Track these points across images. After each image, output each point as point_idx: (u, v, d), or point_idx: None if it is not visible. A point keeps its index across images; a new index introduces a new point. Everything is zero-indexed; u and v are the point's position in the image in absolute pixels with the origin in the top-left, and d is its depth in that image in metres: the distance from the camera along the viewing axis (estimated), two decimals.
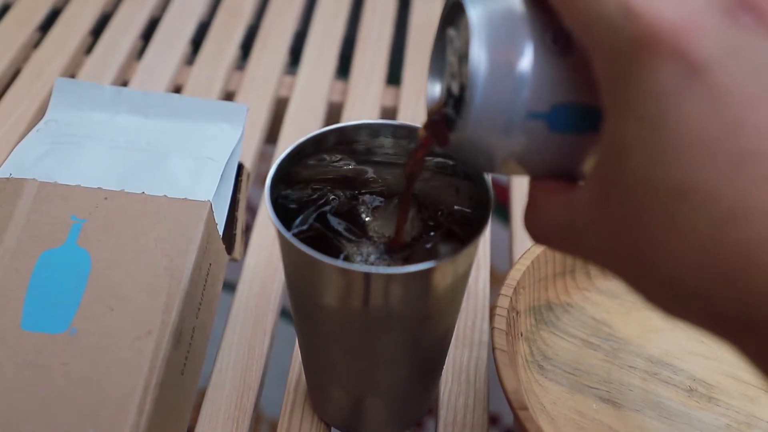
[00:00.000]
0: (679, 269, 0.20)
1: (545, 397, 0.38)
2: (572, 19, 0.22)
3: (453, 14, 0.27)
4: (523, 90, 0.24)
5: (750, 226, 0.19)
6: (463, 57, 0.26)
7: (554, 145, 0.25)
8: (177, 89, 0.61)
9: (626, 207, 0.21)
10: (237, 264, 0.46)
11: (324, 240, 0.33)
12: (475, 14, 0.25)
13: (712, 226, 0.19)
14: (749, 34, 0.20)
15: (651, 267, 0.21)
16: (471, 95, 0.24)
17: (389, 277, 0.29)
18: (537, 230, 0.26)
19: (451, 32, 0.28)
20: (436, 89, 0.29)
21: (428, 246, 0.33)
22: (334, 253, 0.33)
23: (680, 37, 0.20)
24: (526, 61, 0.24)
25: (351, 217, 0.35)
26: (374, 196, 0.36)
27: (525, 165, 0.26)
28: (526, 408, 0.34)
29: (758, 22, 0.20)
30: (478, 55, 0.24)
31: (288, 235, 0.30)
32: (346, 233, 0.34)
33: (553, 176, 0.26)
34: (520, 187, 0.53)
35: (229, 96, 0.61)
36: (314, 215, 0.34)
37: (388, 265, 0.33)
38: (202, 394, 0.40)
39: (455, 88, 0.27)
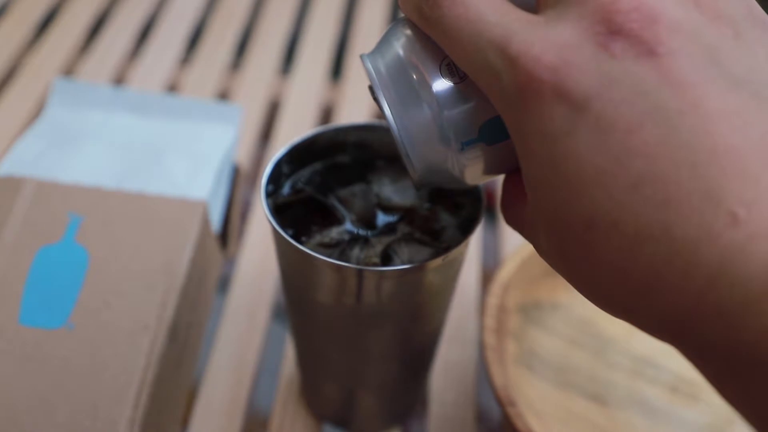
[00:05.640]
0: (604, 290, 0.21)
1: (533, 394, 0.39)
2: (462, 66, 0.23)
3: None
4: (446, 130, 0.24)
5: (655, 247, 0.19)
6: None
7: (502, 153, 0.25)
8: (172, 89, 0.62)
9: (550, 233, 0.22)
10: (231, 262, 0.47)
11: (314, 203, 0.34)
12: (373, 71, 0.25)
13: (621, 250, 0.20)
14: (622, 61, 0.20)
15: (581, 286, 0.22)
16: (403, 152, 0.25)
17: (381, 274, 0.30)
18: (509, 222, 0.26)
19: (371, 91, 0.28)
20: None
21: (430, 214, 0.34)
22: (324, 217, 0.33)
23: (558, 77, 0.20)
24: (434, 104, 0.24)
25: (348, 179, 0.35)
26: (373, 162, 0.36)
27: (489, 173, 0.26)
28: (514, 404, 0.35)
29: (629, 47, 0.20)
30: (391, 117, 0.25)
31: (283, 232, 0.30)
32: (333, 198, 0.34)
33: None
34: None
35: (223, 96, 0.62)
36: (306, 177, 0.35)
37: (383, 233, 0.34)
38: (196, 389, 0.41)
39: None
